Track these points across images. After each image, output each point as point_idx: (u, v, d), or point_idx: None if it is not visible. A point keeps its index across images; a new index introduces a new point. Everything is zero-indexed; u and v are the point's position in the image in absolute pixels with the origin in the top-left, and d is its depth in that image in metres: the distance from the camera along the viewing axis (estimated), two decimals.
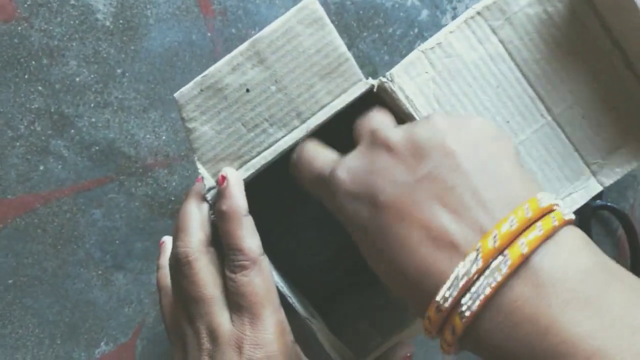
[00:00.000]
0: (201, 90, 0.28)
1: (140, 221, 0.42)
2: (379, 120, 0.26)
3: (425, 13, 0.44)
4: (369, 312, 0.33)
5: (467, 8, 0.44)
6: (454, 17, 0.44)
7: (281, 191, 0.31)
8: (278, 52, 0.28)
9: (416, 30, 0.44)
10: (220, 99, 0.28)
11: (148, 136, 0.41)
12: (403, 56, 0.45)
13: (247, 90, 0.28)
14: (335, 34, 0.28)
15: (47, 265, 0.41)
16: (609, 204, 0.45)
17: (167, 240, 0.36)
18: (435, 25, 0.44)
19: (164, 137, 0.42)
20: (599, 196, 0.45)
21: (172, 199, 0.42)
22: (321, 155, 0.27)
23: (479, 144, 0.23)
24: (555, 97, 0.29)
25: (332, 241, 0.33)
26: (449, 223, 0.21)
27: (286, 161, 0.29)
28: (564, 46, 0.29)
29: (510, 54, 0.29)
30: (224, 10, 0.41)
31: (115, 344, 0.43)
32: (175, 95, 0.28)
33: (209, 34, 0.41)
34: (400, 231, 0.21)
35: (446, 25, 0.29)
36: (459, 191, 0.21)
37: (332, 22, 0.42)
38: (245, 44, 0.28)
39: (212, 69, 0.28)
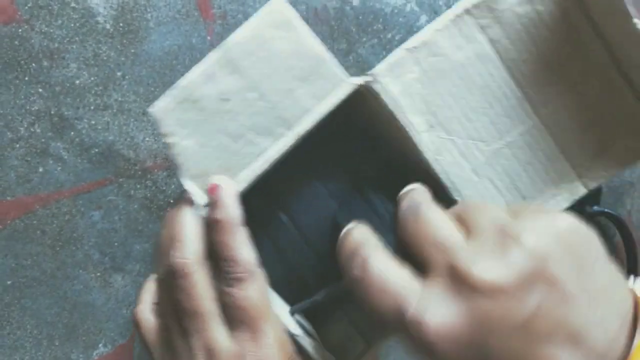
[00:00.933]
0: (177, 103, 0.26)
1: (139, 223, 0.42)
2: (446, 236, 0.23)
3: (424, 18, 0.44)
4: (356, 319, 0.32)
5: None
6: None
7: (258, 200, 0.30)
8: (251, 58, 0.26)
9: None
10: (198, 111, 0.26)
11: (147, 139, 0.41)
12: None
13: (225, 100, 0.26)
14: (309, 34, 0.27)
15: (46, 266, 0.41)
16: (606, 210, 0.45)
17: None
18: None
19: (163, 140, 0.42)
20: (596, 202, 0.45)
21: (171, 201, 0.42)
22: (394, 281, 0.22)
23: (576, 254, 0.21)
24: (542, 99, 0.28)
25: (313, 253, 0.32)
26: None
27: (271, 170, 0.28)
28: (554, 47, 0.28)
29: (498, 53, 0.28)
30: (224, 14, 0.42)
31: (114, 346, 0.43)
32: (150, 109, 0.26)
33: (208, 38, 0.42)
34: None
35: None
36: (571, 322, 0.19)
37: (332, 27, 0.43)
38: (216, 52, 0.26)
39: (185, 80, 0.26)
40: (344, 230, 0.26)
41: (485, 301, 0.20)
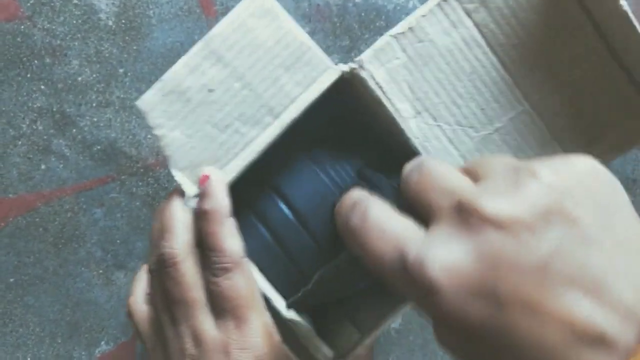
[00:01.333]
0: (163, 95, 0.27)
1: (141, 221, 0.42)
2: (452, 180, 0.21)
3: None
4: (350, 309, 0.32)
5: None
6: None
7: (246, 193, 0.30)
8: (234, 48, 0.27)
9: None
10: (184, 103, 0.27)
11: (149, 136, 0.41)
12: None
13: (210, 91, 0.27)
14: (292, 22, 0.27)
15: (48, 264, 0.41)
16: None
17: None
18: None
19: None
20: None
21: None
22: (395, 227, 0.20)
23: (597, 198, 0.19)
24: (533, 84, 0.28)
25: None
26: (591, 312, 0.17)
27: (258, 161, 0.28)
28: (543, 31, 0.27)
29: (485, 38, 0.27)
30: (225, 11, 0.42)
31: (116, 343, 0.43)
32: (137, 103, 0.27)
33: None
34: (534, 330, 0.17)
35: None
36: (593, 268, 0.17)
37: (334, 23, 0.43)
38: (199, 44, 0.27)
39: (169, 72, 0.27)
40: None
41: (497, 236, 0.17)
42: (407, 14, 0.43)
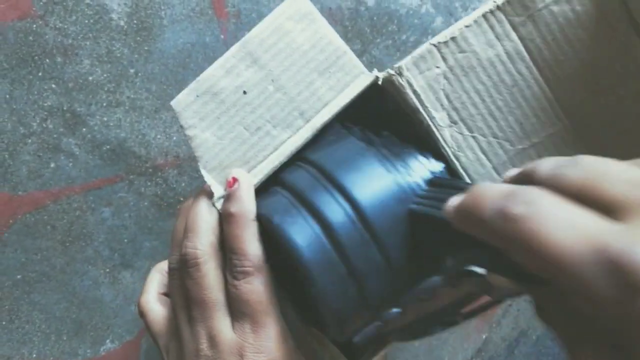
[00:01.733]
0: (197, 96, 0.27)
1: (148, 221, 0.42)
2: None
3: (439, 20, 0.44)
4: None
5: None
6: None
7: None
8: (271, 51, 0.27)
9: (430, 37, 0.44)
10: (217, 104, 0.27)
11: (159, 136, 0.41)
12: None
13: (244, 92, 0.27)
14: (328, 27, 0.27)
15: (56, 261, 0.41)
16: None
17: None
18: None
19: (174, 138, 0.42)
20: None
21: (181, 199, 0.42)
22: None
23: None
24: (575, 102, 0.28)
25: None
26: None
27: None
28: (590, 49, 0.27)
29: (530, 53, 0.27)
30: (237, 13, 0.41)
31: (121, 342, 0.43)
32: (172, 103, 0.27)
33: (222, 37, 0.42)
34: None
35: None
36: None
37: (346, 27, 0.42)
38: (236, 46, 0.27)
39: (205, 73, 0.27)
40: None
41: None
42: (420, 18, 0.43)
